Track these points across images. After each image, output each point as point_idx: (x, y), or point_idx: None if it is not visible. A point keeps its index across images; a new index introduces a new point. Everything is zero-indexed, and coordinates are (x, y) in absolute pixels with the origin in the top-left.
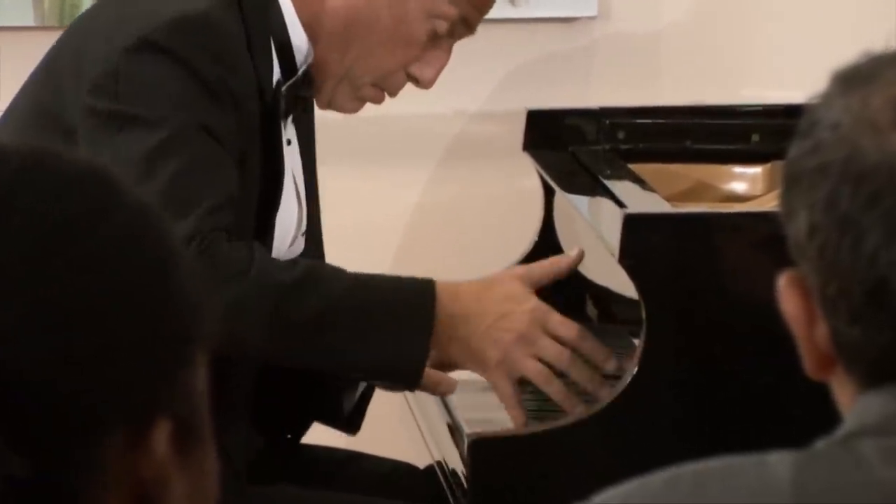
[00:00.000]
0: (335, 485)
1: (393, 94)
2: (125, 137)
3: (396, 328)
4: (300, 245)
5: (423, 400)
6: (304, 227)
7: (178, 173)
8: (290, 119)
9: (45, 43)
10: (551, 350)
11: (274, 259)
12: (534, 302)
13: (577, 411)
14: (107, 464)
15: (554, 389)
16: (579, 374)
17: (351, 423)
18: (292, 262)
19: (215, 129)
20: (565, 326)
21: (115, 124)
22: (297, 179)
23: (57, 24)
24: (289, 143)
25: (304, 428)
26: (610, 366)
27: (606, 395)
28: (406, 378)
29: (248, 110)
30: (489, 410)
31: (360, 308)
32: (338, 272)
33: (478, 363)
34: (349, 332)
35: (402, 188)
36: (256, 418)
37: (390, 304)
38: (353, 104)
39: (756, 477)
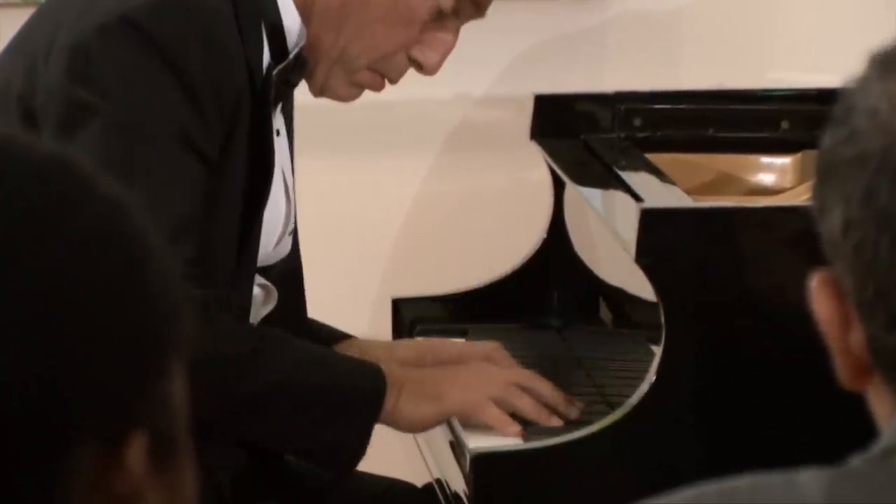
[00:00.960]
0: None
1: (393, 79)
2: (89, 134)
3: (340, 414)
4: (286, 245)
5: None
6: (291, 226)
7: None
8: (279, 107)
9: (16, 18)
10: (511, 373)
11: (228, 319)
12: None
13: (553, 422)
14: (76, 481)
15: (525, 402)
16: (545, 388)
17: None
18: (246, 327)
19: (189, 135)
20: (525, 374)
21: (78, 116)
22: (285, 173)
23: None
24: (278, 133)
25: None
26: (572, 413)
27: (575, 413)
28: (341, 465)
29: (236, 99)
30: (493, 427)
31: (307, 387)
32: (291, 343)
33: (435, 398)
34: (293, 411)
35: (397, 180)
36: None
37: (337, 388)
38: (349, 90)
39: (785, 497)
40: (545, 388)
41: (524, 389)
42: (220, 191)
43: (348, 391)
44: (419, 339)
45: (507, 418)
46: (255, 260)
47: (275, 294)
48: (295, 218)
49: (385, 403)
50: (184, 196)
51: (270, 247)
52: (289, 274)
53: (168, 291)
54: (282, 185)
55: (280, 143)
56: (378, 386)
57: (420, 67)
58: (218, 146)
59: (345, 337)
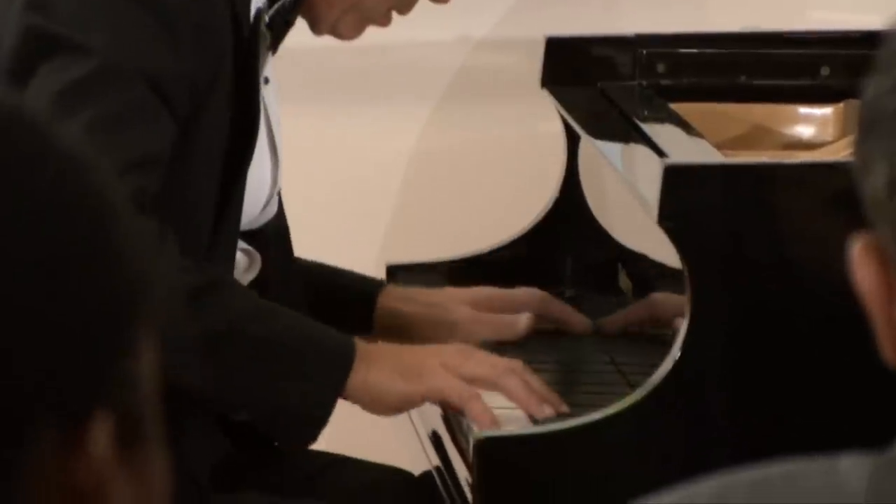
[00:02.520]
0: (312, 493)
1: (405, 12)
2: (50, 64)
3: (299, 375)
4: (273, 207)
5: None
6: (279, 186)
7: (94, 118)
8: (270, 53)
9: None
10: (492, 358)
11: (181, 256)
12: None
13: (544, 412)
14: (33, 468)
15: (514, 384)
16: (536, 381)
17: None
18: (194, 265)
19: (160, 78)
20: (516, 364)
21: (43, 46)
22: (273, 126)
23: None
24: (266, 81)
25: None
26: (562, 408)
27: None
28: (296, 435)
29: (217, 44)
30: (496, 410)
31: (269, 339)
32: (251, 294)
33: (414, 376)
34: (249, 360)
35: (390, 133)
36: (222, 417)
37: (300, 345)
38: (357, 31)
39: (824, 486)
40: (536, 380)
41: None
42: (197, 148)
43: (312, 353)
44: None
45: (492, 414)
46: (238, 223)
47: (258, 260)
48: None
49: (353, 373)
50: (148, 135)
51: (257, 209)
52: (275, 237)
53: (136, 258)
54: (267, 140)
55: (268, 93)
56: (346, 352)
57: None
58: (194, 97)
59: (382, 284)
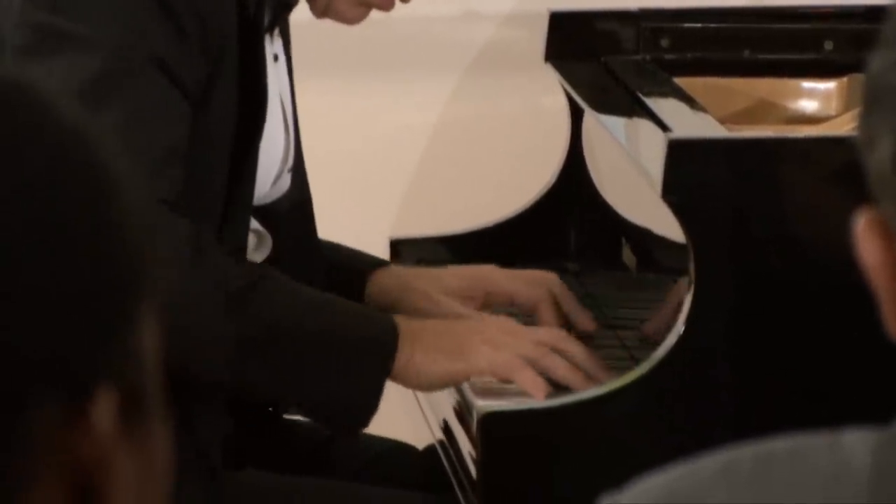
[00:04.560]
0: (317, 468)
1: None
2: (60, 61)
3: (346, 366)
4: (286, 182)
5: None
6: (291, 162)
7: (117, 120)
8: (276, 31)
9: None
10: (543, 332)
11: (222, 252)
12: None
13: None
14: (36, 442)
15: (558, 364)
16: (579, 351)
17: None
18: (243, 263)
19: (169, 64)
20: (558, 334)
21: (49, 42)
22: (284, 103)
23: None
24: (276, 58)
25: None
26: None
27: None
28: (348, 424)
29: (222, 26)
30: (502, 385)
31: (313, 331)
32: (294, 286)
33: (457, 353)
34: (297, 356)
35: (396, 108)
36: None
37: (344, 336)
38: (356, 11)
39: (829, 462)
40: (579, 350)
41: (556, 351)
42: (207, 127)
43: (356, 341)
44: (470, 267)
45: (542, 382)
46: (251, 200)
47: (268, 240)
48: (297, 152)
49: (398, 356)
50: (169, 125)
51: (267, 185)
52: (297, 215)
53: (138, 231)
54: (280, 116)
55: (278, 70)
56: (389, 338)
57: None
58: (202, 79)
59: (381, 264)
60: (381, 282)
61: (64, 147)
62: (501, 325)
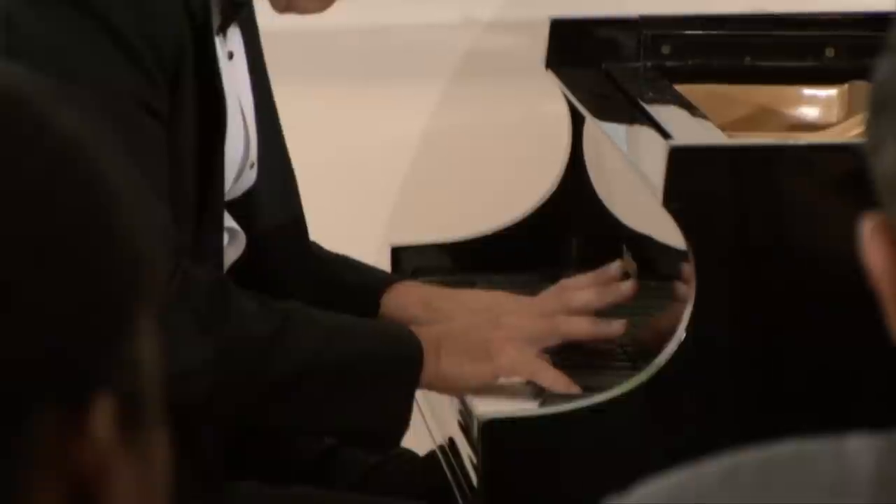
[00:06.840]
0: (318, 475)
1: None
2: None
3: (376, 388)
4: (249, 178)
5: None
6: (252, 157)
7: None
8: (230, 29)
9: None
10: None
11: (247, 304)
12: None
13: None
14: (35, 450)
15: (581, 325)
16: (584, 297)
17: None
18: (267, 310)
19: (146, 98)
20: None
21: None
22: (241, 99)
23: None
24: (230, 56)
25: None
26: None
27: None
28: (384, 442)
29: (175, 43)
30: (504, 393)
31: (338, 364)
32: (313, 318)
33: (483, 356)
34: (326, 391)
35: (395, 115)
36: None
37: (370, 360)
38: (316, 2)
39: (833, 468)
40: (587, 297)
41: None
42: (171, 136)
43: (382, 364)
44: (488, 294)
45: (565, 379)
46: (222, 201)
47: (242, 237)
48: (282, 150)
49: (424, 370)
50: (158, 162)
51: (229, 182)
52: (277, 208)
53: (135, 239)
54: (238, 112)
55: (234, 68)
56: (413, 353)
57: None
58: (167, 98)
59: (394, 279)
60: (398, 300)
61: (62, 156)
62: (517, 318)
